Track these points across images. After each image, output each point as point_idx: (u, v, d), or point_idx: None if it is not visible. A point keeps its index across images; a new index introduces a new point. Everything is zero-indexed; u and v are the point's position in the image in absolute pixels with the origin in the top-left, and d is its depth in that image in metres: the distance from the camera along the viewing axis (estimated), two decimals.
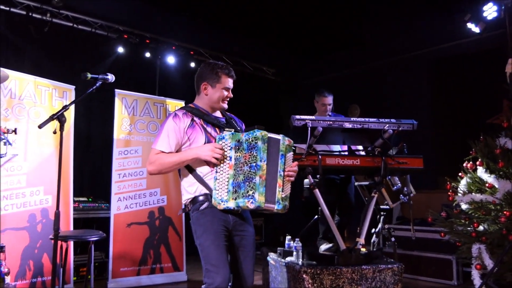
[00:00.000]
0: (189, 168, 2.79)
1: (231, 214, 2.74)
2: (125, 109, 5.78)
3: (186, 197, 2.82)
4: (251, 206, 2.52)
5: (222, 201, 2.62)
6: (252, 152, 2.57)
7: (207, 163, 2.73)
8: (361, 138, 4.19)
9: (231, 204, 2.59)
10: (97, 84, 3.28)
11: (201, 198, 2.74)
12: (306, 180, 4.97)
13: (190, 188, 2.79)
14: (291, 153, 2.77)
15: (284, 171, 2.68)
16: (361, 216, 4.04)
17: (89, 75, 3.21)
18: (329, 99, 5.04)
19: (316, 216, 5.13)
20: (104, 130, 6.28)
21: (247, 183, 2.54)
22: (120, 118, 5.73)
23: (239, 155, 2.61)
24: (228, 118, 2.99)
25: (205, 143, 2.75)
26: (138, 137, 5.80)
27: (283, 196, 2.65)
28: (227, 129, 2.77)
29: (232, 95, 2.95)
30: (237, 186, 2.57)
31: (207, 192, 2.73)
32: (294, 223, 7.24)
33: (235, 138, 2.65)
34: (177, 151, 2.79)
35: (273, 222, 8.49)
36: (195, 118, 2.81)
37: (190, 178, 2.79)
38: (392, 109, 7.34)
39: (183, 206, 2.87)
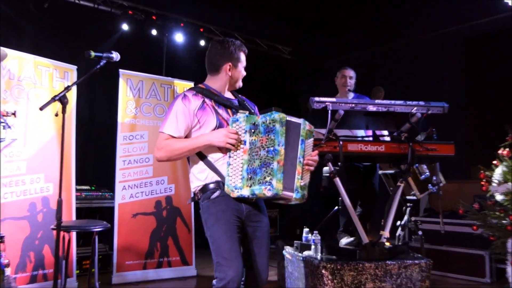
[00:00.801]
0: (199, 154, 2.80)
1: (244, 203, 2.75)
2: (130, 90, 5.80)
3: (195, 184, 2.83)
4: (268, 194, 2.51)
5: (236, 188, 2.62)
6: (269, 136, 2.56)
7: (220, 148, 2.74)
8: (386, 123, 4.17)
9: (246, 192, 2.58)
10: (101, 63, 3.29)
11: (212, 185, 2.75)
12: (325, 168, 4.96)
13: (200, 175, 2.80)
14: (312, 139, 2.78)
15: (303, 157, 2.68)
16: (386, 207, 4.03)
17: (93, 53, 3.22)
18: (350, 72, 5.09)
19: (336, 207, 5.13)
20: (108, 113, 6.32)
21: (264, 168, 2.54)
22: (125, 101, 5.75)
23: (255, 139, 2.61)
24: (240, 100, 2.99)
25: (216, 126, 2.75)
26: (144, 121, 5.83)
27: (302, 184, 2.64)
28: (241, 111, 2.78)
29: (245, 73, 3.02)
30: (252, 172, 2.57)
31: (219, 179, 2.73)
32: (312, 214, 7.26)
33: (250, 121, 2.65)
34: (187, 136, 2.80)
35: (289, 214, 8.51)
36: (206, 100, 2.82)
37: (200, 164, 2.80)
38: (420, 91, 7.28)
39: (192, 195, 2.89)
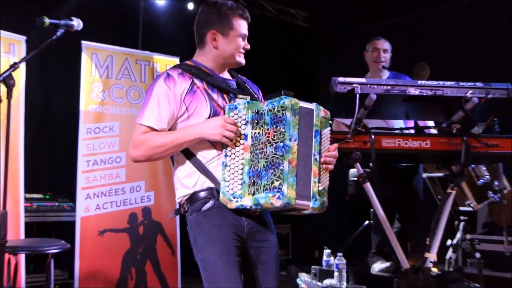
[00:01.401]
0: (187, 152, 2.79)
1: (245, 216, 2.75)
2: (96, 69, 5.81)
3: (181, 193, 2.82)
4: (277, 204, 2.49)
5: (234, 197, 2.61)
6: (277, 127, 2.55)
7: (213, 144, 2.74)
8: (432, 110, 4.19)
9: (248, 202, 2.57)
10: (58, 33, 3.28)
11: (203, 194, 2.74)
12: (352, 170, 4.97)
13: (187, 180, 2.79)
14: (328, 129, 2.77)
15: (320, 154, 2.67)
16: (432, 222, 4.03)
17: (47, 20, 3.21)
18: (384, 43, 5.14)
19: (366, 222, 5.13)
20: (67, 98, 6.32)
21: (272, 170, 2.52)
22: (89, 82, 5.76)
23: (259, 132, 2.61)
24: (240, 82, 3.00)
25: (210, 116, 2.74)
26: (114, 108, 5.85)
27: (320, 189, 2.64)
28: (240, 96, 2.77)
29: (249, 46, 2.95)
30: (256, 175, 2.57)
31: (212, 185, 2.72)
32: (335, 231, 7.25)
33: (252, 109, 2.65)
34: (171, 128, 2.80)
35: (304, 230, 8.51)
36: (195, 81, 2.81)
37: (187, 166, 2.79)
38: (476, 69, 7.24)
39: (177, 206, 2.89)
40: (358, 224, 5.31)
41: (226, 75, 2.98)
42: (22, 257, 5.09)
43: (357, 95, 3.76)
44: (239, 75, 3.05)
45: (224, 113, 2.73)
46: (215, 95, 2.81)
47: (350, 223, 6.09)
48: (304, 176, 2.58)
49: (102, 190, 5.67)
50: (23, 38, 5.39)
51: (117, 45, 6.08)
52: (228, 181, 2.63)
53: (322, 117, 2.70)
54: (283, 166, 2.50)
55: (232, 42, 2.88)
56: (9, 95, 3.10)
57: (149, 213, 5.87)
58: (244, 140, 2.63)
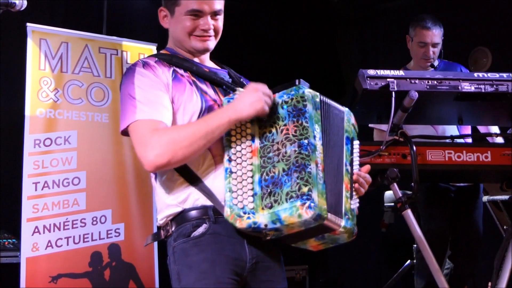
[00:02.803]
0: None
1: (250, 244, 2.73)
2: (46, 60, 5.80)
3: (166, 212, 2.81)
4: (308, 215, 2.47)
5: (245, 212, 2.58)
6: (299, 121, 2.58)
7: (210, 148, 2.72)
8: (494, 112, 4.21)
9: (262, 219, 2.55)
10: None
11: (194, 213, 2.73)
12: (388, 193, 4.98)
13: (174, 197, 2.78)
14: (358, 143, 2.85)
15: (352, 165, 2.76)
16: (495, 260, 4.02)
17: None
18: (433, 34, 5.11)
19: (408, 262, 5.13)
20: (7, 100, 6.32)
21: (297, 174, 2.52)
22: (37, 78, 5.75)
23: (270, 131, 2.64)
24: (234, 75, 3.06)
25: (202, 110, 2.75)
26: (70, 113, 5.84)
27: (352, 207, 2.70)
28: (240, 88, 2.79)
29: (217, 21, 2.94)
30: (272, 184, 2.56)
31: (208, 203, 2.72)
32: (366, 274, 7.24)
33: None
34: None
35: (326, 273, 8.50)
36: (176, 68, 2.86)
37: (174, 177, 2.78)
38: None
39: (155, 229, 2.86)
40: (397, 264, 5.29)
41: (209, 63, 3.04)
42: None
43: (393, 93, 3.79)
44: (233, 71, 3.10)
45: (219, 107, 2.77)
46: (204, 86, 2.85)
47: (386, 263, 6.09)
48: (334, 187, 2.65)
49: (55, 222, 5.63)
50: None
51: (74, 29, 6.08)
52: (236, 191, 2.60)
53: (353, 124, 2.83)
54: (310, 168, 2.52)
55: (179, 23, 2.90)
56: None
57: (117, 252, 5.84)
58: (251, 142, 2.65)
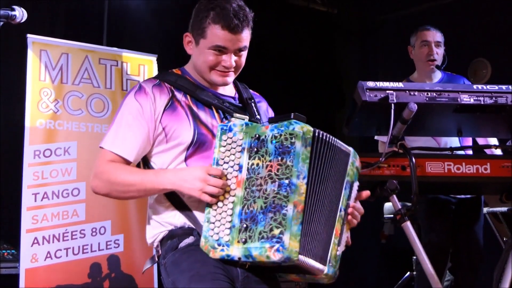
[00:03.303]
0: None
1: (239, 267, 2.76)
2: (46, 71, 5.82)
3: (154, 231, 2.91)
4: (275, 257, 2.49)
5: (219, 244, 2.61)
6: (283, 160, 2.58)
7: None
8: (493, 124, 4.21)
9: (236, 252, 2.58)
10: None
11: (181, 231, 2.83)
12: (388, 205, 4.96)
13: (162, 217, 2.88)
14: (357, 184, 2.89)
15: (347, 209, 2.78)
16: (495, 272, 4.00)
17: None
18: (434, 34, 5.22)
19: (408, 274, 5.11)
20: (7, 111, 6.31)
21: (271, 214, 2.54)
22: (37, 89, 5.76)
23: (258, 164, 2.63)
24: (246, 97, 3.07)
25: (193, 141, 2.81)
26: (70, 124, 5.86)
27: (337, 253, 2.73)
28: (237, 115, 2.79)
29: (241, 57, 2.97)
30: (250, 218, 2.58)
31: (193, 226, 2.81)
32: (366, 283, 7.22)
33: (252, 133, 2.68)
34: (147, 155, 2.90)
35: (326, 285, 8.47)
36: (177, 94, 2.90)
37: (162, 199, 2.89)
38: None
39: (154, 252, 2.95)
40: (397, 276, 5.28)
41: (230, 89, 3.08)
42: None
43: (392, 105, 3.76)
44: (249, 90, 3.14)
45: (213, 137, 2.79)
46: (202, 114, 2.89)
47: (386, 274, 6.07)
48: (324, 233, 2.67)
49: (54, 233, 5.64)
50: None
51: (74, 40, 6.10)
52: (214, 223, 2.64)
53: (356, 167, 2.84)
54: (286, 210, 2.52)
55: (202, 54, 2.93)
56: None
57: (117, 263, 5.85)
58: (238, 172, 2.65)
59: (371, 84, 3.80)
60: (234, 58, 2.91)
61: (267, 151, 2.61)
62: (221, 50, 2.88)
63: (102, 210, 5.84)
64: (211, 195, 2.63)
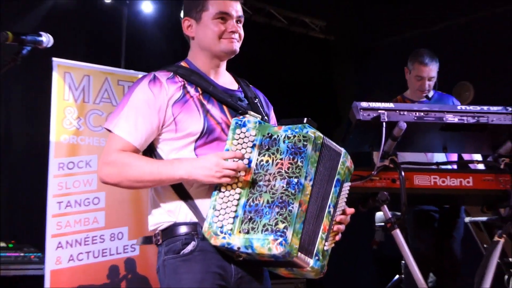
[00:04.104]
0: None
1: (235, 264, 2.67)
2: (69, 91, 5.86)
3: (156, 219, 2.77)
4: (277, 250, 2.43)
5: (222, 232, 2.53)
6: (295, 160, 2.52)
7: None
8: (475, 141, 4.23)
9: (237, 241, 2.50)
10: (24, 51, 3.33)
11: (184, 229, 2.68)
12: (379, 214, 4.98)
13: (166, 206, 2.74)
14: (349, 184, 2.79)
15: (335, 208, 2.70)
16: (476, 276, 4.02)
17: (11, 35, 3.26)
18: (430, 70, 5.15)
19: (396, 277, 5.12)
20: (35, 128, 6.36)
21: (278, 209, 2.48)
22: (62, 107, 5.81)
23: (267, 160, 2.57)
24: (251, 96, 2.96)
25: (203, 132, 2.70)
26: (91, 139, 5.90)
27: (325, 248, 2.64)
28: (251, 113, 2.71)
29: (240, 28, 2.88)
30: (254, 211, 2.52)
31: (195, 220, 2.67)
32: (359, 285, 7.22)
33: (264, 131, 2.62)
34: (153, 142, 2.76)
35: (322, 283, 8.45)
36: (188, 86, 2.78)
37: (168, 190, 2.74)
38: None
39: (150, 229, 2.80)
40: (387, 279, 5.29)
41: (226, 77, 2.96)
42: None
43: (384, 124, 3.80)
44: (250, 86, 3.02)
45: (222, 129, 2.72)
46: (211, 107, 2.76)
47: (377, 277, 6.08)
48: (312, 227, 2.58)
49: (76, 238, 5.67)
50: None
51: (95, 63, 6.14)
52: (219, 210, 2.55)
53: (347, 167, 2.74)
54: (292, 207, 2.46)
55: (207, 27, 2.82)
56: None
57: (133, 265, 5.87)
58: (247, 166, 2.57)
59: (364, 104, 3.83)
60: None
61: (279, 150, 2.54)
62: (224, 17, 2.80)
63: (120, 217, 5.88)
64: (229, 177, 2.51)
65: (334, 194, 2.67)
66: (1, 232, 6.36)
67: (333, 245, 2.69)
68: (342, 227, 2.71)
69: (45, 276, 5.55)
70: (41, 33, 3.38)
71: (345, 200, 2.75)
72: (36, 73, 6.25)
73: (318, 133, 2.57)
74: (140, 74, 6.15)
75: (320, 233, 2.60)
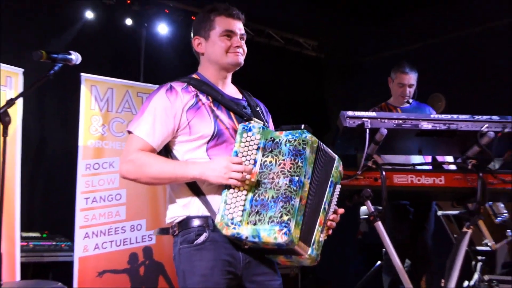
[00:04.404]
0: None
1: (242, 251, 2.69)
2: (95, 102, 5.89)
3: (173, 213, 2.79)
4: (282, 239, 2.44)
5: (232, 223, 2.54)
6: (296, 161, 2.55)
7: None
8: (447, 145, 4.23)
9: (245, 231, 2.52)
10: (56, 68, 3.34)
11: (197, 222, 2.69)
12: (363, 208, 4.99)
13: (181, 201, 2.75)
14: (339, 187, 2.82)
15: (329, 205, 2.72)
16: (448, 262, 4.03)
17: (44, 54, 3.26)
18: (410, 78, 5.22)
19: (378, 262, 5.12)
20: (65, 133, 6.38)
21: (282, 203, 2.50)
22: (89, 116, 5.84)
23: (271, 161, 2.59)
24: (253, 104, 2.97)
25: (213, 134, 2.72)
26: (114, 143, 5.94)
27: (320, 239, 2.66)
28: (255, 119, 2.74)
29: (243, 44, 2.91)
30: (261, 205, 2.53)
31: (207, 213, 2.69)
32: (346, 272, 7.23)
33: (267, 136, 2.64)
34: (169, 143, 2.78)
35: (314, 271, 8.46)
36: (200, 95, 2.79)
37: (183, 186, 2.75)
38: (493, 101, 7.25)
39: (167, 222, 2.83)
40: (370, 264, 5.29)
41: (231, 88, 2.97)
42: None
43: (367, 130, 3.81)
44: (252, 97, 3.03)
45: (230, 133, 2.73)
46: (220, 113, 2.78)
47: (362, 263, 6.07)
48: (310, 221, 2.60)
49: (101, 229, 5.72)
50: (20, 71, 5.45)
51: (118, 78, 6.19)
52: (229, 204, 2.57)
53: (339, 171, 2.78)
54: (294, 202, 2.49)
55: (215, 43, 2.85)
56: (4, 133, 3.14)
57: (150, 253, 5.90)
58: (253, 166, 2.59)
59: (350, 113, 3.83)
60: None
61: (281, 152, 2.56)
62: (229, 34, 2.84)
63: (139, 211, 5.92)
64: (236, 179, 2.53)
65: (329, 194, 2.71)
66: (36, 224, 6.39)
67: (326, 237, 2.72)
68: (334, 224, 2.76)
69: (74, 262, 5.60)
70: (71, 52, 3.40)
71: (337, 198, 2.78)
72: (67, 87, 6.28)
73: (314, 138, 2.60)
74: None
75: (317, 226, 2.64)
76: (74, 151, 5.80)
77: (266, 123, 2.89)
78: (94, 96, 5.89)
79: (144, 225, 5.92)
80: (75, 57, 3.40)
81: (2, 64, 5.36)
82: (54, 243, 5.94)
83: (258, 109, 2.97)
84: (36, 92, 6.44)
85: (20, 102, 5.38)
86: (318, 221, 2.64)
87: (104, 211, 5.77)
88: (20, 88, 5.39)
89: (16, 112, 5.33)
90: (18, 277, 5.20)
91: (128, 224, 5.85)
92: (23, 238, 5.59)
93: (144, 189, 5.94)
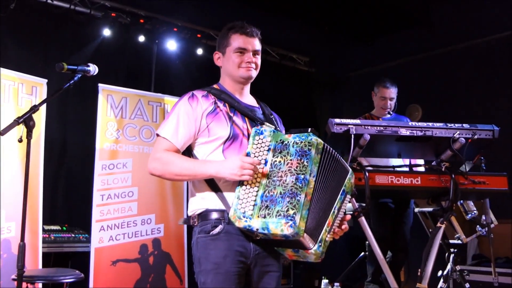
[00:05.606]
0: None
1: (253, 242, 2.70)
2: (111, 109, 5.88)
3: (194, 206, 2.81)
4: (288, 231, 2.44)
5: (244, 216, 2.56)
6: (302, 160, 2.55)
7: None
8: (423, 149, 4.23)
9: (256, 224, 2.52)
10: (76, 78, 3.34)
11: (214, 215, 2.72)
12: (348, 205, 4.98)
13: (201, 195, 2.78)
14: (349, 197, 2.81)
15: (339, 211, 2.70)
16: (423, 253, 4.03)
17: (66, 66, 3.27)
18: (391, 92, 5.24)
19: (362, 253, 5.11)
20: (84, 137, 6.37)
21: (288, 199, 2.50)
22: (105, 122, 5.83)
23: (280, 161, 2.60)
24: (267, 113, 2.99)
25: (229, 136, 2.74)
26: (127, 146, 5.91)
27: (327, 239, 2.64)
28: (267, 123, 2.78)
29: (257, 59, 2.93)
30: (270, 200, 2.54)
31: (223, 207, 2.71)
32: (333, 262, 7.21)
33: (277, 138, 2.66)
34: (191, 145, 2.80)
35: (305, 262, 8.45)
36: (218, 102, 2.82)
37: (202, 183, 2.78)
38: (465, 111, 7.27)
39: (185, 230, 2.85)
40: (355, 255, 5.28)
41: (249, 98, 2.99)
42: (39, 286, 5.09)
43: (352, 135, 3.82)
44: (268, 107, 3.04)
45: (244, 136, 2.76)
46: (236, 118, 2.81)
47: (348, 254, 6.06)
48: (318, 218, 2.59)
49: (115, 223, 5.70)
50: (44, 81, 5.49)
51: (131, 88, 6.20)
52: (242, 199, 2.59)
53: (351, 183, 2.77)
54: (300, 197, 2.49)
55: (229, 59, 2.89)
56: (29, 135, 3.14)
57: (158, 244, 5.89)
58: (264, 165, 2.61)
59: (337, 120, 3.84)
60: (253, 58, 2.89)
61: (289, 152, 2.57)
62: (242, 51, 2.87)
63: (149, 207, 5.90)
64: (248, 175, 2.56)
65: (340, 200, 2.70)
66: (58, 218, 6.38)
67: (332, 239, 2.70)
68: (341, 232, 2.75)
69: (90, 252, 5.59)
70: (89, 64, 3.40)
71: (345, 210, 2.76)
72: (86, 96, 6.28)
73: (320, 140, 2.60)
74: (166, 97, 6.26)
75: (325, 226, 2.62)
76: (92, 153, 5.79)
77: (277, 128, 2.88)
78: (110, 104, 5.89)
79: (153, 219, 5.90)
80: (93, 69, 3.41)
81: (29, 75, 5.38)
82: (73, 235, 5.95)
83: (272, 117, 2.99)
84: (59, 101, 6.47)
85: (44, 109, 5.40)
86: (327, 222, 2.63)
87: (118, 206, 5.74)
88: (44, 97, 5.44)
89: (40, 118, 5.36)
90: (40, 265, 5.21)
91: (139, 218, 5.83)
92: (45, 231, 5.62)
93: (153, 187, 5.95)
